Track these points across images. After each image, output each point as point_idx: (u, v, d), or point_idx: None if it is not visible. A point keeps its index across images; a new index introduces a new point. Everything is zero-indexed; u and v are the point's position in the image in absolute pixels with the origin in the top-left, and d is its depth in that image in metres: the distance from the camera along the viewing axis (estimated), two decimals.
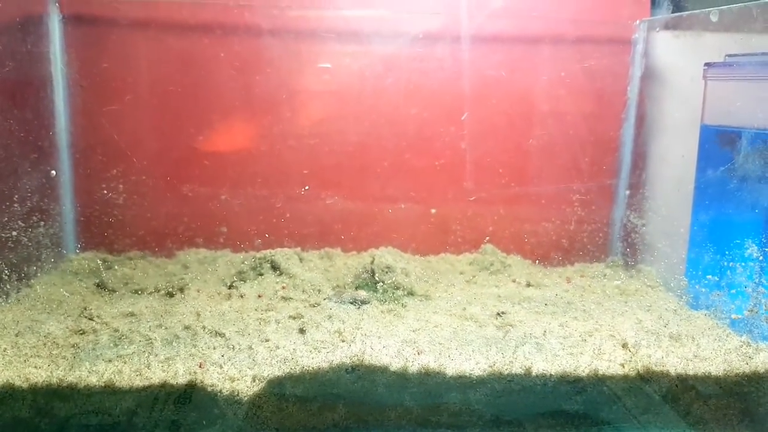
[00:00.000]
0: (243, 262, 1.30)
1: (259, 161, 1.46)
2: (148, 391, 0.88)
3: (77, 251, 1.43)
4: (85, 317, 1.05)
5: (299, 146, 1.46)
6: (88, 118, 1.40)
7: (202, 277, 1.28)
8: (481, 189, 1.50)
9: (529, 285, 1.31)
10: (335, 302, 1.12)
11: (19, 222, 1.21)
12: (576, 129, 1.49)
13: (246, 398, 0.88)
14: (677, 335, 1.03)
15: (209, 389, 0.88)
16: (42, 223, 1.28)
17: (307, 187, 1.42)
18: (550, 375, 0.92)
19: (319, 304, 1.12)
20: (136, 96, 1.41)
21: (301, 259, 1.34)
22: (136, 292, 1.21)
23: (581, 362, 0.94)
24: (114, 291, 1.22)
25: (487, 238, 1.48)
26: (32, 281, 1.24)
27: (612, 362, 0.95)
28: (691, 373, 0.95)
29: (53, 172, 1.34)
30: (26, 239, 1.23)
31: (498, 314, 1.11)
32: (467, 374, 0.91)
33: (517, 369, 0.92)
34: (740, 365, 0.96)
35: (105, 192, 1.42)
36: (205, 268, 1.33)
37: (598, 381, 0.93)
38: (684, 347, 1.00)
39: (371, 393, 0.91)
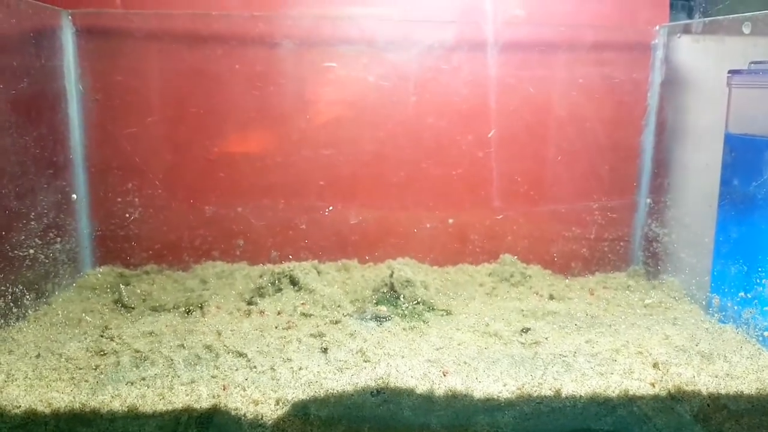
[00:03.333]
0: (261, 276, 1.29)
1: (274, 173, 1.45)
2: (171, 416, 0.87)
3: (94, 267, 1.42)
4: (106, 337, 1.04)
5: (315, 157, 1.44)
6: (102, 132, 1.39)
7: (221, 292, 1.27)
8: (499, 198, 1.48)
9: (552, 298, 1.29)
10: (356, 319, 1.10)
11: (36, 239, 1.20)
12: (595, 137, 1.47)
13: (270, 422, 0.87)
14: (708, 353, 1.01)
15: (233, 413, 0.87)
16: (58, 239, 1.27)
17: (330, 208, 1.41)
18: (580, 396, 0.90)
19: (340, 322, 1.10)
20: (151, 109, 1.40)
21: (318, 272, 1.33)
22: (155, 309, 1.20)
23: (611, 382, 0.92)
24: (132, 308, 1.21)
25: (517, 256, 1.47)
26: (50, 299, 1.23)
27: (642, 381, 0.93)
28: (723, 392, 0.93)
29: (74, 195, 1.33)
30: (43, 256, 1.22)
31: (523, 331, 1.09)
32: (495, 396, 0.89)
33: (546, 391, 0.90)
34: None
35: (121, 206, 1.41)
36: (223, 282, 1.32)
37: (628, 401, 0.91)
38: (714, 365, 0.98)
39: (397, 416, 0.89)
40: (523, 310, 1.21)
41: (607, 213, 1.49)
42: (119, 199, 1.41)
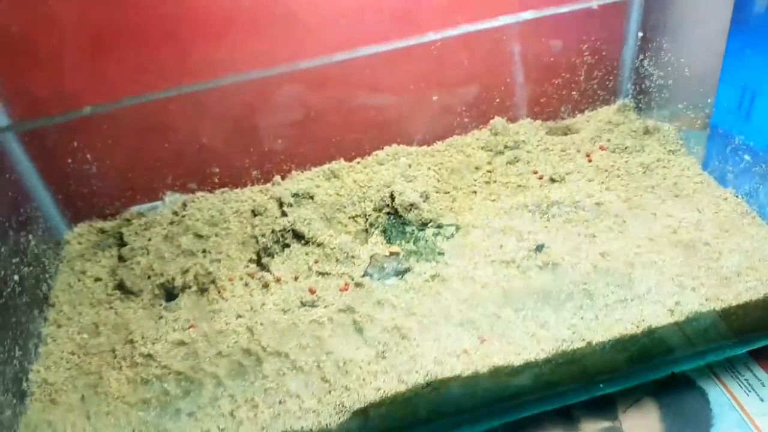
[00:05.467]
0: (258, 228, 1.22)
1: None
2: None
3: (70, 227, 1.32)
4: (140, 362, 1.03)
5: None
6: None
7: (222, 249, 1.22)
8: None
9: (552, 180, 1.28)
10: (377, 280, 1.10)
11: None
12: None
13: (335, 427, 0.94)
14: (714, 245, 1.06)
15: (297, 427, 0.93)
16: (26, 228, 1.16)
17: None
18: (608, 341, 0.97)
19: (362, 285, 1.09)
20: None
21: (311, 197, 1.27)
22: (164, 288, 1.16)
23: (632, 315, 0.98)
24: (141, 291, 1.17)
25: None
26: (50, 297, 1.18)
27: (662, 305, 1.00)
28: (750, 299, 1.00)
29: None
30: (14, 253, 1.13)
31: (537, 249, 1.11)
32: (533, 360, 0.95)
33: (577, 343, 0.96)
34: None
35: (70, 162, 1.26)
36: (219, 232, 1.25)
37: (649, 332, 0.99)
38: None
39: (446, 398, 0.96)
40: (528, 206, 1.22)
41: (597, 50, 1.37)
42: (70, 160, 1.25)
